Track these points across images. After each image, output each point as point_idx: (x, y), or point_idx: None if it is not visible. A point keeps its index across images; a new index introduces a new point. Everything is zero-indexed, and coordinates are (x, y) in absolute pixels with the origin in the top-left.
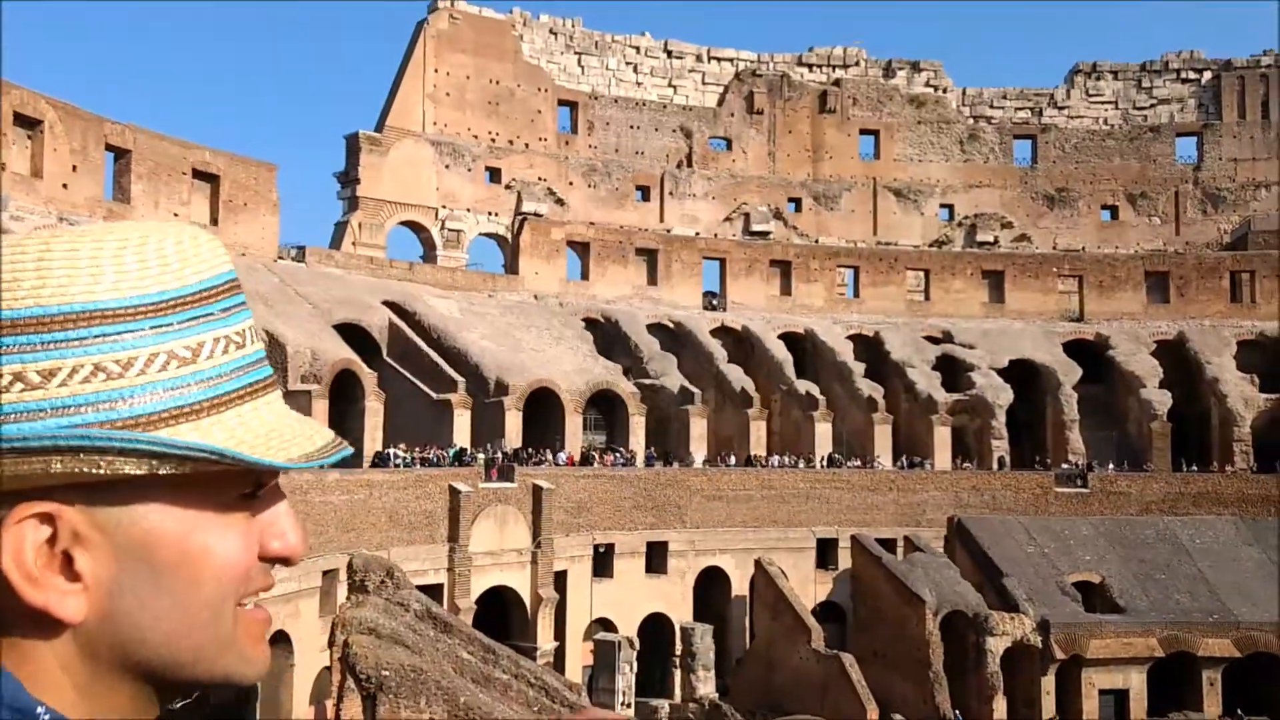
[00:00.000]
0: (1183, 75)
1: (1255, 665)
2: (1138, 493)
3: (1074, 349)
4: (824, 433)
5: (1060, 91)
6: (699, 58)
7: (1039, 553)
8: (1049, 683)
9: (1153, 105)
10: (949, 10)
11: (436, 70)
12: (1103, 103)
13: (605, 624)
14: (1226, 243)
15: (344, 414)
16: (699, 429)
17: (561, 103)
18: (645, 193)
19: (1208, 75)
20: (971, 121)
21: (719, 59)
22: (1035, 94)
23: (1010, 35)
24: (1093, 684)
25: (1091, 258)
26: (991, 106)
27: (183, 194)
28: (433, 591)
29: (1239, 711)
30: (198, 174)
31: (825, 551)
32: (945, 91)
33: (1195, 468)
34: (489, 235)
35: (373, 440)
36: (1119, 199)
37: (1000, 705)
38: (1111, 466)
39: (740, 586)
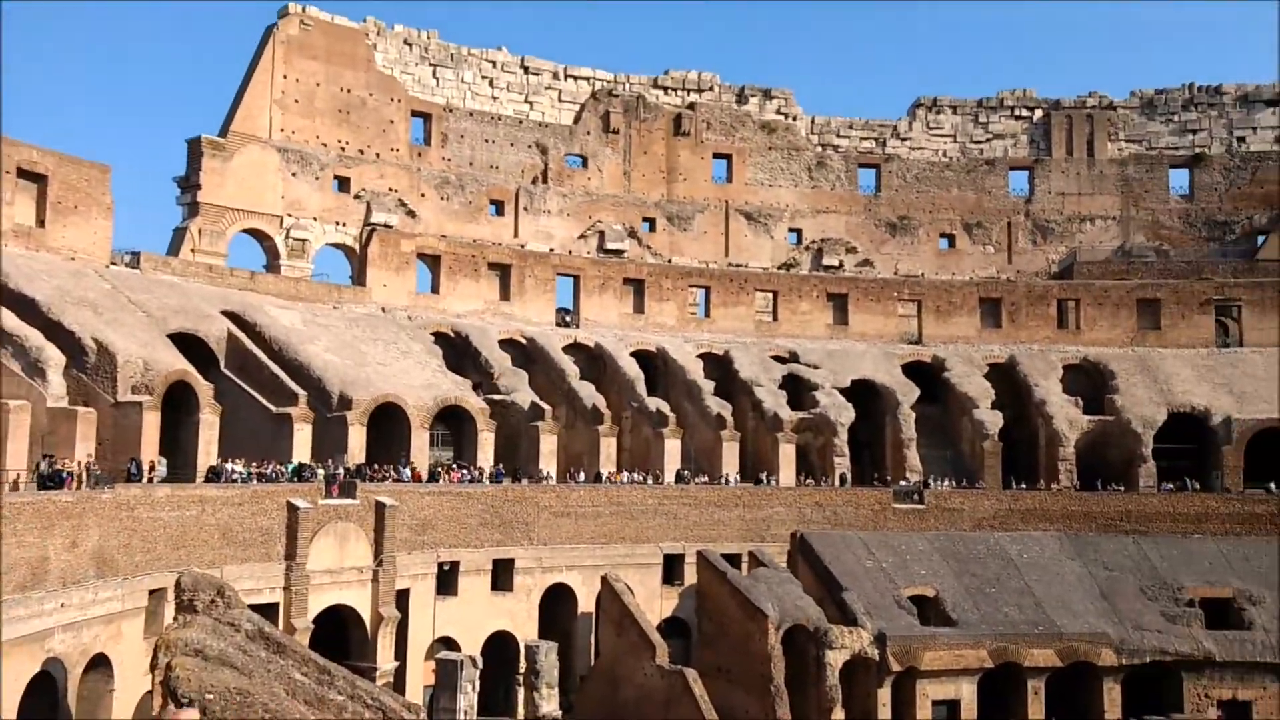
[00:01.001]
0: (1016, 112)
1: (1075, 674)
2: (970, 509)
3: (913, 370)
4: (673, 449)
5: (903, 123)
6: (556, 75)
7: (877, 567)
8: (885, 694)
9: (988, 140)
10: (799, 40)
11: (285, 76)
12: (942, 135)
13: (448, 643)
14: (1054, 272)
15: (178, 426)
16: (549, 445)
17: (415, 114)
18: (499, 207)
19: (1039, 113)
20: (820, 149)
21: (576, 77)
22: (880, 125)
23: (857, 67)
24: (926, 695)
25: (930, 283)
26: (839, 135)
27: (5, 194)
28: (268, 611)
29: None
30: (23, 173)
31: (672, 567)
32: (795, 119)
33: (1024, 485)
34: (336, 245)
35: (207, 454)
36: (956, 228)
37: (839, 717)
38: (946, 483)
39: (587, 603)
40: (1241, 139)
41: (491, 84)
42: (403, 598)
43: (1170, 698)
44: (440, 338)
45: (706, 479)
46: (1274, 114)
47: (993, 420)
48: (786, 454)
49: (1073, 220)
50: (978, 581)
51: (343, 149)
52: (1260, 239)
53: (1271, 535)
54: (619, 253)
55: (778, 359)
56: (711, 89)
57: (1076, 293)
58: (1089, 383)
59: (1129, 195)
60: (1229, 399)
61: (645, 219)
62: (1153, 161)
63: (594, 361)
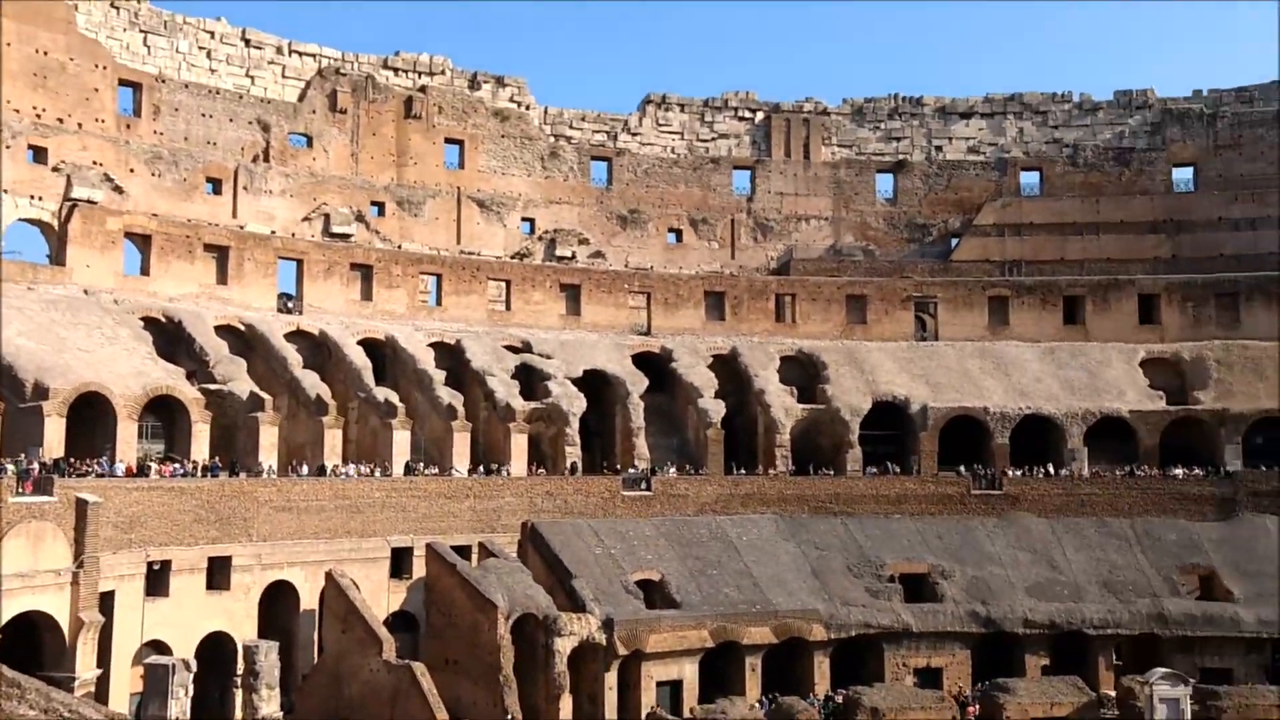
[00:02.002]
0: (740, 113)
1: (789, 649)
2: (695, 494)
3: (642, 360)
4: (402, 440)
5: (634, 118)
6: (280, 50)
7: (606, 554)
8: (612, 678)
9: (714, 139)
10: (533, 29)
11: None
12: (671, 132)
13: (159, 647)
14: (773, 268)
15: None
16: (270, 437)
17: (123, 83)
18: (217, 186)
19: (760, 115)
20: (553, 140)
21: (301, 53)
22: (612, 119)
23: (590, 60)
24: (651, 676)
25: (659, 276)
26: (571, 127)
27: None
28: None
29: (775, 693)
30: None
31: (400, 561)
32: (528, 108)
33: (744, 471)
34: (31, 221)
35: None
36: (684, 223)
37: (566, 703)
38: (673, 470)
39: (310, 600)
40: (939, 148)
41: (209, 55)
42: (107, 600)
43: (872, 667)
44: (150, 323)
45: (436, 470)
46: (968, 125)
47: (716, 409)
48: (518, 444)
49: (790, 219)
50: (701, 564)
51: (38, 116)
52: (954, 241)
53: (961, 514)
54: (346, 237)
55: (510, 349)
56: (444, 73)
57: (793, 288)
58: (803, 373)
59: (840, 197)
60: (926, 389)
61: (374, 203)
62: (862, 166)
63: (318, 349)
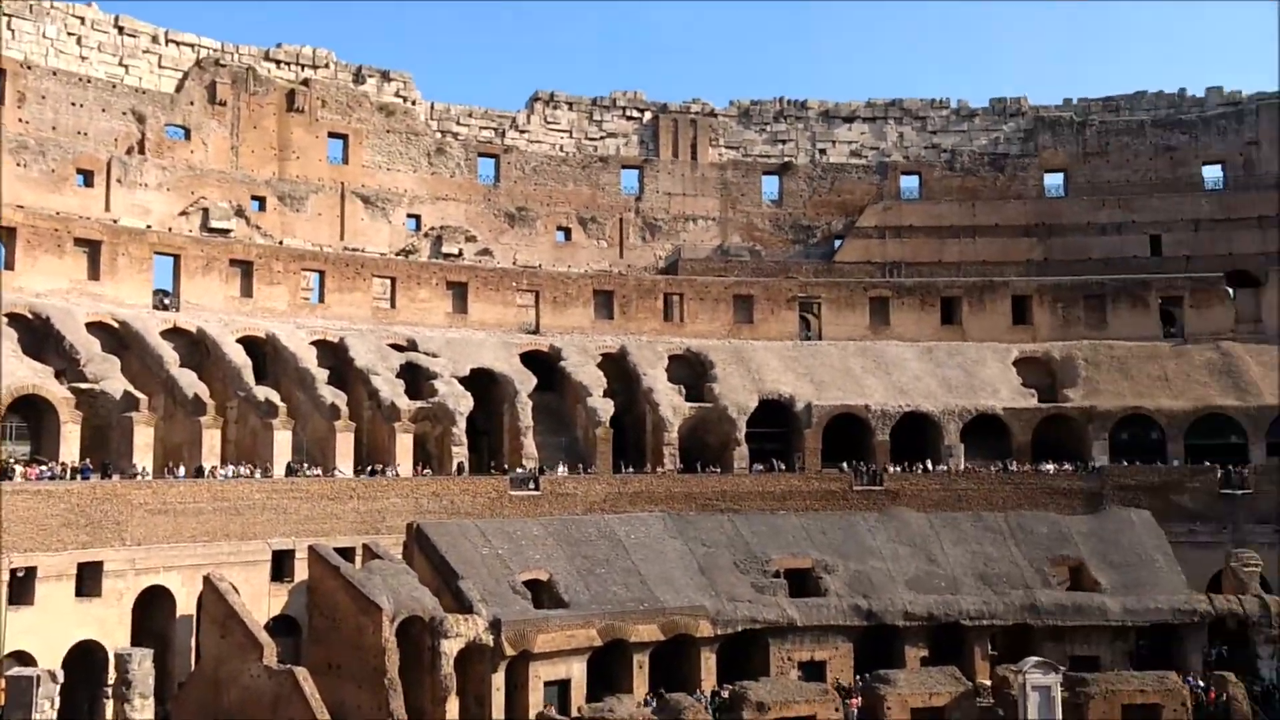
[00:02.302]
0: (628, 113)
1: (676, 646)
2: (583, 493)
3: (530, 359)
4: (284, 441)
5: (522, 116)
6: (155, 39)
7: (494, 554)
8: (499, 679)
9: (602, 138)
10: (418, 24)
11: None
12: (559, 130)
13: (22, 658)
14: (661, 267)
15: None
16: (144, 438)
17: None
18: (89, 178)
19: (648, 115)
20: (439, 135)
21: (178, 43)
22: (499, 115)
23: (476, 56)
24: (539, 676)
25: (547, 274)
26: (458, 123)
27: None
28: None
29: (662, 690)
30: None
31: (281, 564)
32: (414, 103)
33: (632, 469)
34: None
35: None
36: (572, 221)
37: (453, 705)
38: (561, 469)
39: (187, 605)
40: (823, 151)
41: (80, 42)
42: None
43: (758, 661)
44: (16, 319)
45: (319, 471)
46: (850, 129)
47: (605, 408)
48: (404, 444)
49: (678, 219)
50: (589, 563)
51: None
52: (837, 243)
53: (844, 510)
54: (225, 232)
55: (396, 347)
56: (327, 66)
57: (681, 287)
58: (691, 372)
59: (727, 198)
60: (810, 387)
61: (255, 197)
62: (748, 167)
63: (196, 347)
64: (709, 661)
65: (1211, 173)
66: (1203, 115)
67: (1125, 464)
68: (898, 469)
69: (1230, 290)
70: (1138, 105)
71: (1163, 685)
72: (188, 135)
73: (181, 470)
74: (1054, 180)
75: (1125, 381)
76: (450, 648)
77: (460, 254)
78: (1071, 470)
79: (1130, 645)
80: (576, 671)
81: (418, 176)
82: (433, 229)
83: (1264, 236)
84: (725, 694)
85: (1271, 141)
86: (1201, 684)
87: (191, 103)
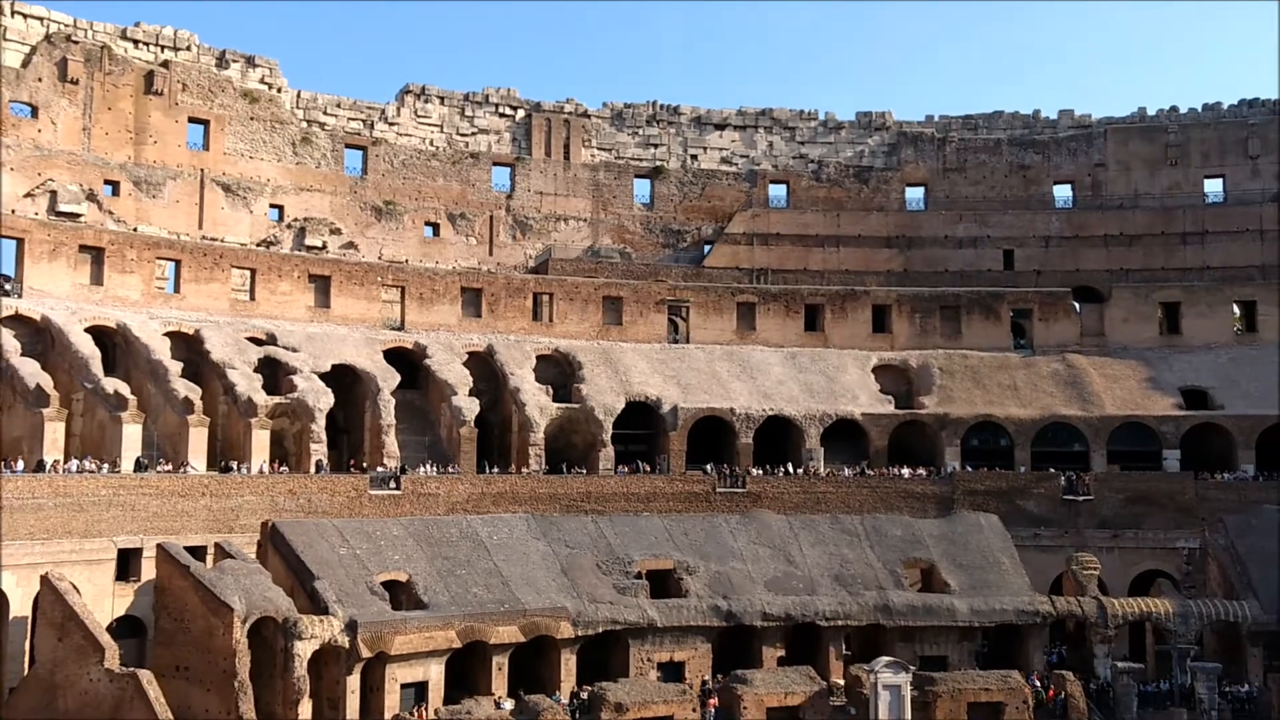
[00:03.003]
0: (500, 110)
1: (537, 647)
2: (446, 493)
3: (395, 356)
4: (133, 435)
5: (391, 108)
6: (0, 10)
7: (351, 554)
8: (355, 681)
9: (474, 134)
10: (285, 9)
11: None
12: (430, 125)
13: None
14: (531, 266)
15: None
16: None
17: None
18: None
19: (521, 113)
20: (305, 125)
21: (26, 15)
22: (368, 107)
23: (345, 45)
24: (395, 679)
25: (414, 270)
26: (325, 113)
27: None
28: None
29: (521, 691)
30: None
31: (127, 562)
32: (280, 91)
33: (497, 469)
34: None
35: None
36: (441, 217)
37: (306, 708)
38: (423, 469)
39: (22, 607)
40: (695, 156)
41: None
42: None
43: (618, 662)
44: None
45: (170, 467)
46: (721, 136)
47: (470, 407)
48: (260, 440)
49: (549, 219)
50: (449, 564)
51: None
52: (707, 248)
53: (706, 512)
54: (75, 216)
55: (254, 340)
56: (189, 48)
57: (551, 287)
58: (559, 372)
59: (599, 199)
60: (676, 389)
61: (108, 181)
62: (620, 170)
63: (40, 336)
64: (569, 663)
65: (1062, 192)
66: (1055, 136)
67: (975, 469)
68: (760, 472)
69: (1076, 305)
70: (995, 124)
71: (1006, 684)
72: (35, 113)
73: (20, 464)
74: (915, 194)
75: (977, 390)
76: (304, 649)
77: (324, 247)
78: (925, 475)
79: (977, 645)
80: (435, 673)
81: (282, 166)
82: (296, 220)
83: (1108, 254)
84: (584, 695)
85: (1118, 164)
86: (1039, 683)
87: (40, 79)
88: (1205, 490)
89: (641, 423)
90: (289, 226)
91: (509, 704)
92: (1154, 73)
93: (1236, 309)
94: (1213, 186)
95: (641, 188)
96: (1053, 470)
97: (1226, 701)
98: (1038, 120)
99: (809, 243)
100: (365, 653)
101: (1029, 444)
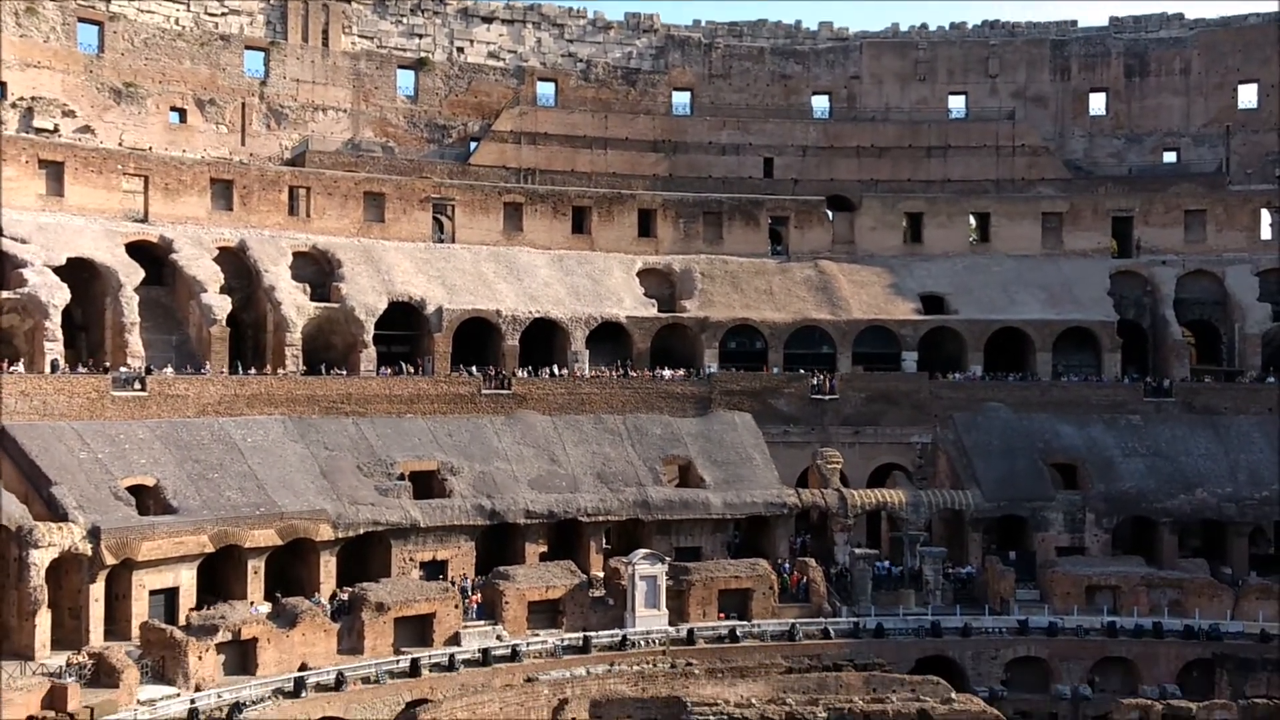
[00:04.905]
0: None
1: (295, 550)
2: (196, 395)
3: (138, 250)
4: None
5: None
6: None
7: (92, 459)
8: (99, 589)
9: (224, 14)
10: None
11: None
12: (175, 2)
13: None
14: (287, 159)
15: None
16: None
17: None
18: None
19: None
20: None
21: None
22: None
23: None
24: (144, 585)
25: (158, 159)
26: None
27: None
28: None
29: (278, 595)
30: None
31: None
32: None
33: (252, 370)
34: None
35: None
36: (189, 102)
37: (45, 619)
38: (171, 369)
39: None
40: (461, 49)
41: None
42: None
43: (380, 563)
44: None
45: None
46: (489, 30)
47: (221, 305)
48: None
49: (306, 108)
50: (201, 468)
51: None
52: (473, 145)
53: (472, 413)
54: None
55: None
56: None
57: (308, 181)
58: (317, 270)
59: (360, 90)
60: (441, 290)
61: None
62: (383, 60)
63: None
64: (329, 565)
65: (820, 102)
66: (815, 48)
67: (732, 370)
68: (525, 373)
69: (829, 213)
70: (759, 32)
71: (754, 572)
72: None
73: None
74: (681, 98)
75: (736, 294)
76: (41, 558)
77: (56, 130)
78: (685, 376)
79: (729, 536)
80: (185, 579)
81: (4, 39)
82: (23, 100)
83: (860, 165)
84: (345, 596)
85: (872, 77)
86: (787, 568)
87: None
88: (938, 389)
89: (405, 324)
90: (15, 106)
91: (265, 607)
92: None
93: (973, 220)
94: (956, 103)
95: (405, 79)
96: (803, 371)
97: (949, 582)
98: (799, 31)
99: (577, 144)
100: (110, 560)
101: (782, 346)
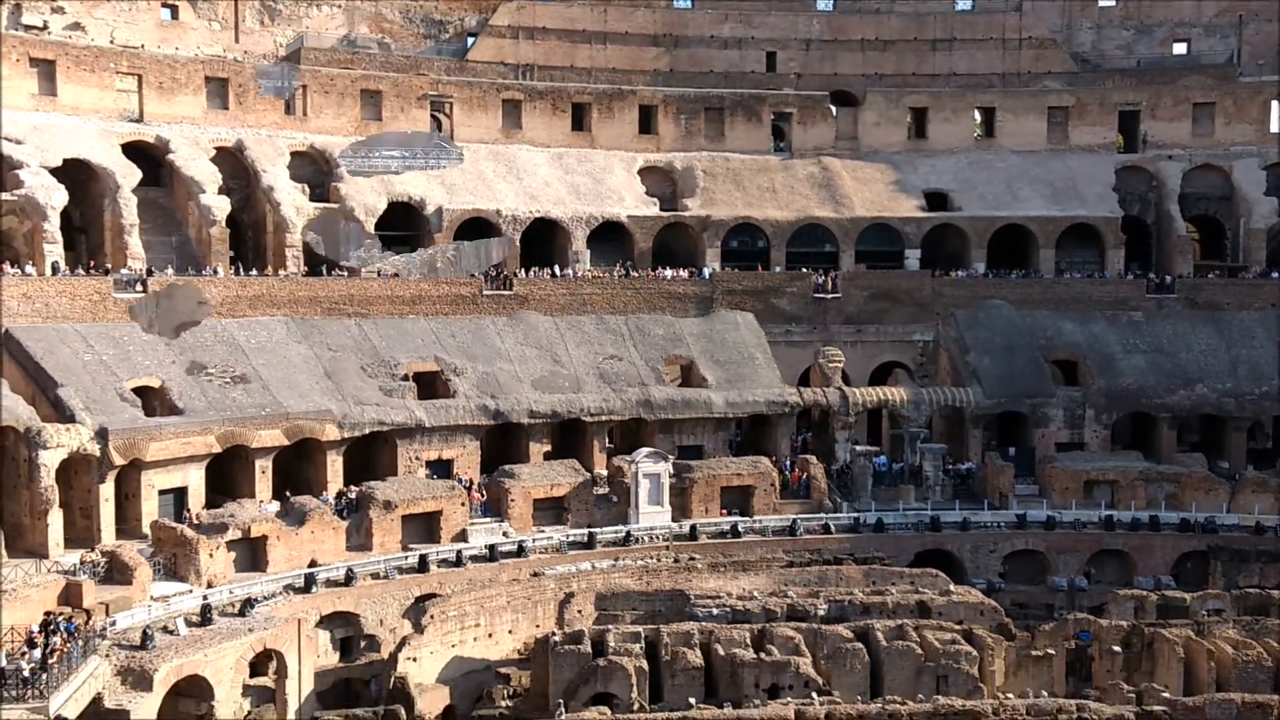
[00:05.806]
0: None
1: (301, 450)
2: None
3: (134, 151)
4: None
5: None
6: None
7: (97, 361)
8: (108, 489)
9: None
10: None
11: None
12: None
13: None
14: (282, 56)
15: None
16: None
17: None
18: None
19: None
20: None
21: None
22: None
23: None
24: (153, 485)
25: (151, 57)
26: None
27: None
28: None
29: (287, 493)
30: None
31: None
32: None
33: (253, 271)
34: None
35: None
36: None
37: (56, 519)
38: (171, 271)
39: None
40: None
41: None
42: None
43: (386, 462)
44: None
45: None
46: None
47: (219, 205)
48: None
49: (301, 3)
50: (205, 369)
51: None
52: (470, 40)
53: (473, 314)
54: None
55: None
56: None
57: (304, 78)
58: (316, 170)
59: None
60: (441, 190)
61: None
62: None
63: None
64: (335, 464)
65: None
66: None
67: (734, 269)
68: (527, 273)
69: (833, 109)
70: None
71: (756, 469)
72: None
73: None
74: None
75: (738, 192)
76: (50, 459)
77: (46, 27)
78: (687, 276)
79: (731, 434)
80: (194, 479)
81: None
82: None
83: (864, 59)
84: (353, 494)
85: None
86: (789, 466)
87: None
88: (941, 287)
89: (405, 224)
90: (1, 2)
91: (274, 506)
92: None
93: (978, 115)
94: None
95: None
96: (805, 270)
97: (949, 477)
98: None
99: (576, 38)
100: (118, 460)
101: (784, 245)
